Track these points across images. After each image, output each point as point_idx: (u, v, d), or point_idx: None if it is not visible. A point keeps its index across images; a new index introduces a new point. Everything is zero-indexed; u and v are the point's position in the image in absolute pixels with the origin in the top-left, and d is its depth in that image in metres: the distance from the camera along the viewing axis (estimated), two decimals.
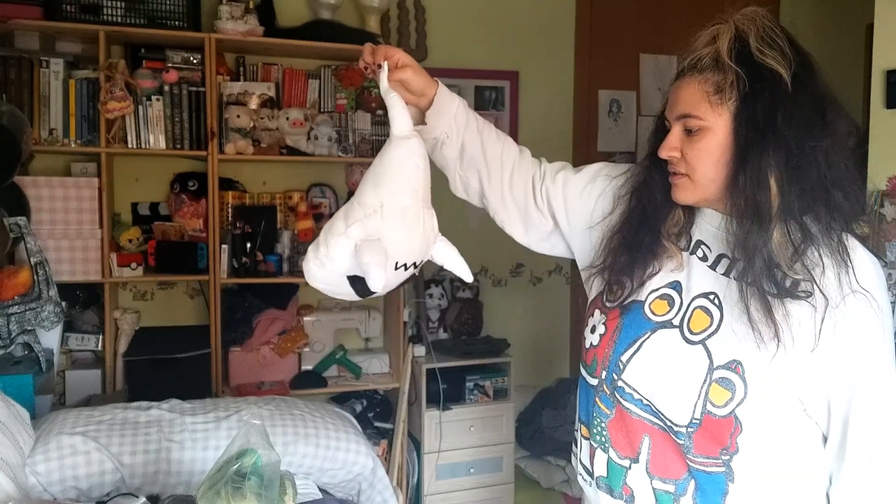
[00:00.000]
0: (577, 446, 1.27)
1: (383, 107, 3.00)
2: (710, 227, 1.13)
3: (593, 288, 1.24)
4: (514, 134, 3.38)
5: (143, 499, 1.53)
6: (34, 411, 2.09)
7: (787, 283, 1.01)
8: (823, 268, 1.02)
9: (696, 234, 1.14)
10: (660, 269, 1.14)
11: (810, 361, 1.03)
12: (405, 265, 1.13)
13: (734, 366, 1.04)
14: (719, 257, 1.11)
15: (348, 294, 1.13)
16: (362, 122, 2.93)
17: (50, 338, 2.42)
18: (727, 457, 1.06)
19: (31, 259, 2.29)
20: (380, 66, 1.19)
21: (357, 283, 1.10)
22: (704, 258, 1.12)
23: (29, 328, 2.26)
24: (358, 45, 2.86)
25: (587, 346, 1.20)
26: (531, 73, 3.41)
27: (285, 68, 2.92)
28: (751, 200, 1.01)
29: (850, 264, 1.02)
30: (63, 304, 2.42)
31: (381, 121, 2.95)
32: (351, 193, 3.05)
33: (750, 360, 1.04)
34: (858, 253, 1.05)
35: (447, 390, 2.94)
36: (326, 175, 3.08)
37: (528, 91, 3.41)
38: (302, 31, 2.84)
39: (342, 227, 1.09)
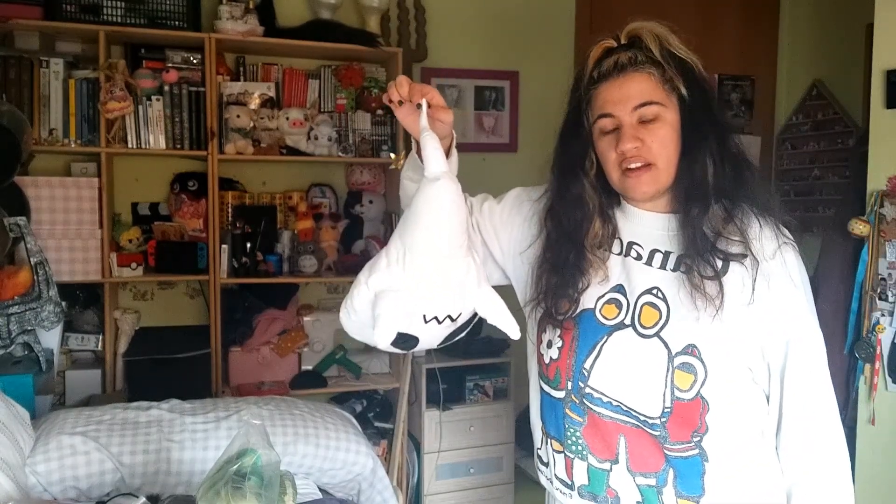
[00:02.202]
0: (546, 464, 1.27)
1: (383, 107, 3.03)
2: (637, 228, 1.18)
3: (538, 312, 1.24)
4: (513, 134, 3.40)
5: (143, 499, 1.53)
6: (34, 411, 2.09)
7: (721, 245, 1.11)
8: (759, 226, 1.12)
9: (626, 237, 1.19)
10: (588, 284, 1.17)
11: (748, 318, 1.10)
12: (436, 318, 1.06)
13: (691, 349, 1.10)
14: (652, 253, 1.16)
15: (383, 348, 1.09)
16: (362, 122, 2.93)
17: (50, 338, 2.42)
18: (698, 438, 1.11)
19: (31, 259, 2.29)
20: (419, 106, 1.10)
21: (402, 339, 1.05)
22: (639, 257, 1.17)
23: (29, 328, 2.27)
24: (358, 45, 2.89)
25: (547, 361, 1.22)
26: (531, 73, 3.41)
27: (285, 68, 2.92)
28: (698, 181, 1.11)
29: (773, 222, 1.14)
30: (63, 304, 2.42)
31: (381, 121, 2.95)
32: (351, 193, 3.07)
33: (703, 340, 1.10)
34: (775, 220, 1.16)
35: (447, 390, 2.94)
36: (326, 175, 3.08)
37: (528, 91, 3.41)
38: (302, 31, 2.84)
39: (365, 276, 1.06)
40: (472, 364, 3.02)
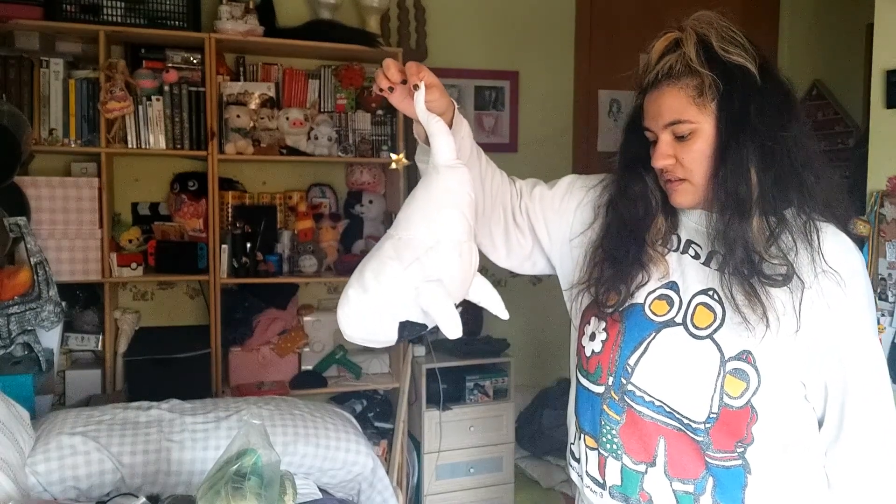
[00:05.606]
0: (578, 460, 1.24)
1: (383, 107, 3.03)
2: (697, 226, 1.15)
3: (583, 300, 1.22)
4: (513, 134, 3.40)
5: (143, 499, 1.53)
6: (34, 411, 2.09)
7: (767, 269, 1.05)
8: (797, 251, 1.06)
9: (685, 235, 1.16)
10: (649, 279, 1.15)
11: (797, 343, 1.06)
12: (456, 304, 1.05)
13: (745, 356, 1.06)
14: (711, 254, 1.12)
15: (384, 341, 1.04)
16: (362, 122, 2.93)
17: (50, 338, 2.42)
18: (742, 448, 1.08)
19: (31, 259, 2.29)
20: (416, 87, 1.06)
21: (405, 328, 1.02)
22: (697, 256, 1.14)
23: (29, 328, 2.27)
24: (358, 45, 2.89)
25: (588, 353, 1.19)
26: (531, 73, 3.41)
27: (285, 68, 2.92)
28: (732, 192, 1.05)
29: (818, 246, 1.07)
30: (63, 304, 2.42)
31: (381, 121, 2.95)
32: (351, 194, 3.07)
33: (759, 348, 1.06)
34: (829, 235, 1.09)
35: (447, 390, 2.94)
36: (326, 175, 3.09)
37: (528, 91, 3.41)
38: (302, 31, 2.84)
39: (398, 267, 1.00)
40: (472, 364, 3.02)
